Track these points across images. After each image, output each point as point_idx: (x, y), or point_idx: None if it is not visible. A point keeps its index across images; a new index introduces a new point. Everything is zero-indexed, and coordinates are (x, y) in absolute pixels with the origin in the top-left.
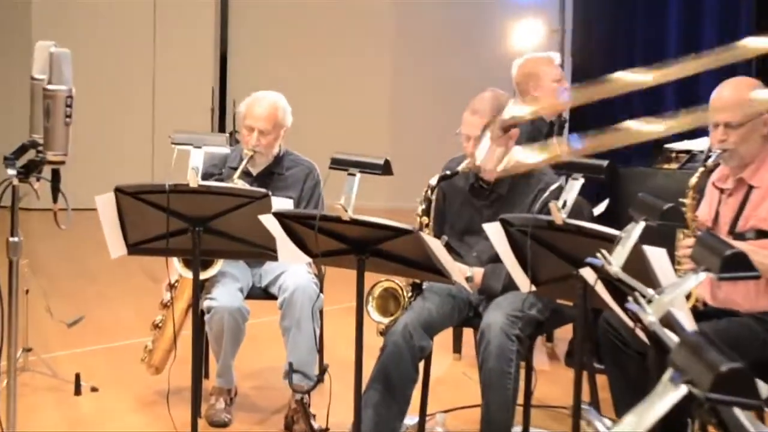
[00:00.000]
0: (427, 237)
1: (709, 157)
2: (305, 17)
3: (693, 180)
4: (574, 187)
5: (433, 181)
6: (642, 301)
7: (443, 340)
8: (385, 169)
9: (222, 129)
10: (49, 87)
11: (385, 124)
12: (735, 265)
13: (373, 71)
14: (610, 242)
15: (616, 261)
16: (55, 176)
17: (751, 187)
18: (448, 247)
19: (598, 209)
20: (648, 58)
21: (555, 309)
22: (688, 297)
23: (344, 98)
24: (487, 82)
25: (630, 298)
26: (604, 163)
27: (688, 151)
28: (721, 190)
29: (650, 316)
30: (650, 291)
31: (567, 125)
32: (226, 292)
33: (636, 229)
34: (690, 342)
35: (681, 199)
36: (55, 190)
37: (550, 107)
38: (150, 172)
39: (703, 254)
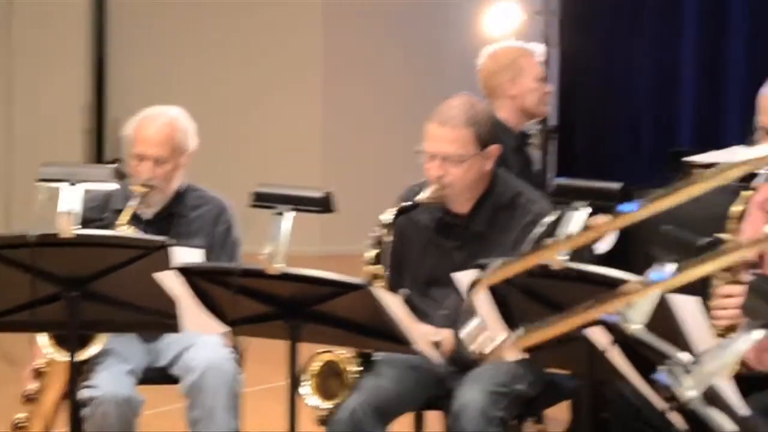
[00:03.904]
0: (381, 292)
1: (755, 174)
2: (212, 12)
3: (736, 207)
4: (576, 219)
5: (387, 217)
6: (678, 370)
7: (403, 426)
8: (325, 204)
9: (99, 158)
10: None
11: (316, 147)
12: None
13: (298, 80)
14: None
15: (637, 317)
16: None
17: None
18: (409, 303)
19: (602, 246)
20: (659, 39)
21: (549, 382)
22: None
23: (262, 115)
24: (450, 86)
25: (660, 368)
26: (616, 185)
27: (715, 165)
28: None
29: (690, 391)
30: (686, 357)
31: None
32: (112, 376)
33: (664, 273)
34: (749, 428)
35: (717, 234)
36: None
37: (520, 112)
38: (3, 219)
39: (758, 305)
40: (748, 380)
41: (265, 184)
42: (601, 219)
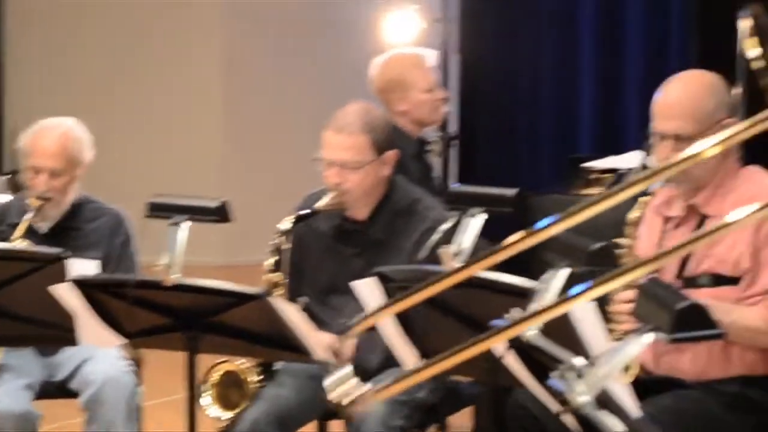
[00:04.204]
0: (280, 302)
1: None
2: (110, 21)
3: (633, 213)
4: (472, 226)
5: (285, 225)
6: (570, 375)
7: None
8: (221, 214)
9: None
10: None
11: (217, 156)
12: (692, 322)
13: (198, 89)
14: (524, 298)
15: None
16: None
17: (704, 217)
18: (309, 311)
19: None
20: (560, 47)
21: (450, 389)
22: (626, 367)
23: (162, 125)
24: (350, 93)
25: (553, 373)
26: (512, 191)
27: (613, 171)
28: (666, 219)
29: (582, 395)
30: (580, 362)
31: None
32: (8, 392)
33: (557, 278)
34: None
35: (615, 240)
36: None
37: (414, 123)
38: None
39: (648, 309)
40: (647, 383)
41: (161, 195)
42: (516, 236)
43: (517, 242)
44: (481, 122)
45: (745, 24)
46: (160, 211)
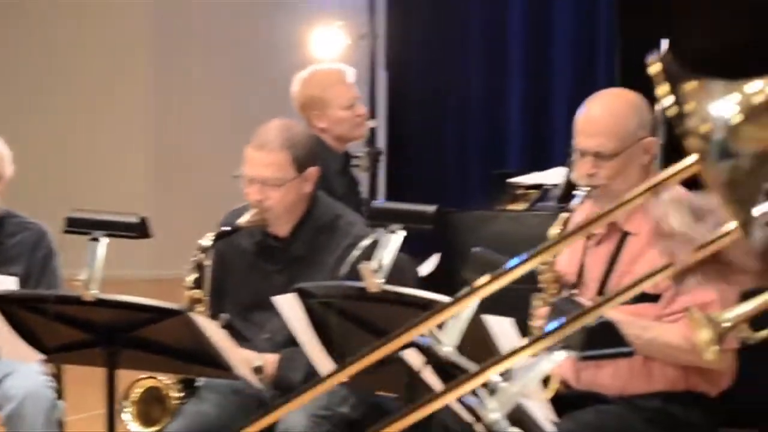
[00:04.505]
0: (200, 318)
1: (572, 196)
2: (33, 31)
3: (553, 230)
4: (392, 242)
5: (206, 241)
6: (482, 393)
7: None
8: (141, 229)
9: None
10: None
11: (146, 171)
12: (602, 340)
13: (125, 103)
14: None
15: (448, 338)
16: None
17: (626, 234)
18: (231, 328)
19: (426, 268)
20: (488, 62)
21: (373, 404)
22: (546, 381)
23: (89, 140)
24: (277, 109)
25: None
26: (431, 208)
27: (538, 186)
28: (588, 236)
29: (493, 412)
30: (495, 378)
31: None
32: None
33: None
34: None
35: None
36: None
37: (336, 139)
38: None
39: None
40: (568, 398)
41: (80, 210)
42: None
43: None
44: (410, 137)
45: (654, 69)
46: (78, 226)
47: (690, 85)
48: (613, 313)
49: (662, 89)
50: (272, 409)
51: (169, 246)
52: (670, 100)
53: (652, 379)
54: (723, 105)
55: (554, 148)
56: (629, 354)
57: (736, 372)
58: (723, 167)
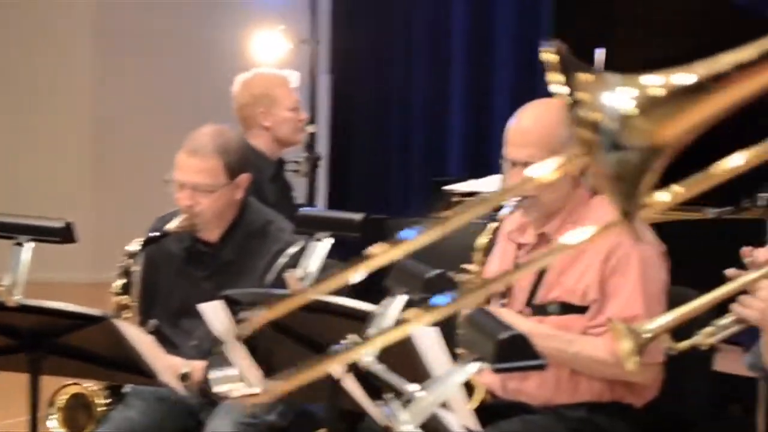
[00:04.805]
0: (124, 325)
1: (501, 207)
2: None
3: (481, 240)
4: (318, 250)
5: (134, 246)
6: (395, 404)
7: None
8: (66, 234)
9: None
10: None
11: (83, 174)
12: (513, 352)
13: (65, 106)
14: (363, 322)
15: (370, 347)
16: None
17: None
18: (159, 334)
19: (356, 277)
20: (431, 69)
21: (301, 412)
22: (472, 391)
23: (23, 138)
24: (216, 114)
25: (380, 401)
26: (358, 216)
27: (473, 194)
28: (519, 245)
29: (405, 424)
30: (412, 388)
31: (322, 165)
32: None
33: (394, 304)
34: None
35: (463, 266)
36: None
37: (275, 142)
38: None
39: (473, 338)
40: (494, 408)
41: (3, 214)
42: (378, 248)
43: (379, 254)
44: (352, 144)
45: (547, 57)
46: (1, 230)
47: (585, 76)
48: (539, 326)
49: (554, 76)
50: None
51: (107, 249)
52: (562, 88)
53: (578, 389)
54: (617, 96)
55: (495, 155)
56: (542, 367)
57: (661, 384)
58: (611, 159)
